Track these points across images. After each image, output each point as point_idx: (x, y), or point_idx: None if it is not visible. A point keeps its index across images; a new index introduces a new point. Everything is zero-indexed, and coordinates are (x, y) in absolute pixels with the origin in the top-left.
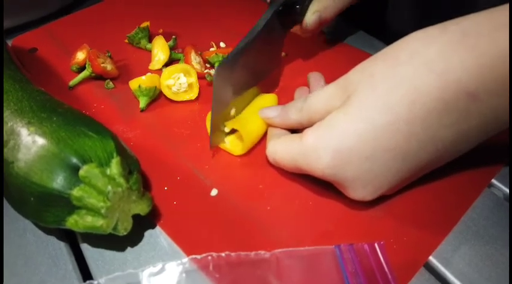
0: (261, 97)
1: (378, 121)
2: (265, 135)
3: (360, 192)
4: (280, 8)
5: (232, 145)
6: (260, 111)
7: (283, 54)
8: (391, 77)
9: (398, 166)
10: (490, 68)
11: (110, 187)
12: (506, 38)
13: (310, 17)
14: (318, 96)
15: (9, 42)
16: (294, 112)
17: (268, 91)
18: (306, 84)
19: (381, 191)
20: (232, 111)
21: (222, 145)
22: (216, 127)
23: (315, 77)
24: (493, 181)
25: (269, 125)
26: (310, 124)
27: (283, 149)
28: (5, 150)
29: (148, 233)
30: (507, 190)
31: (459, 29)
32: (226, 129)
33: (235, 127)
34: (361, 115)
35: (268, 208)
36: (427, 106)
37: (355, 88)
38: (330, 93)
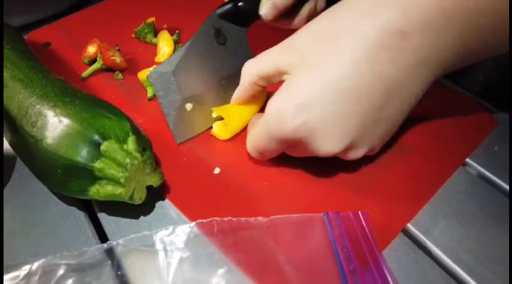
0: None
1: (329, 67)
2: None
3: (328, 142)
4: (222, 12)
5: (218, 130)
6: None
7: None
8: (333, 30)
9: (355, 108)
10: (412, 7)
11: (128, 160)
12: None
13: (263, 6)
14: (266, 56)
15: (25, 37)
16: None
17: None
18: None
19: (347, 140)
20: (188, 106)
21: (211, 132)
22: (175, 125)
23: None
24: (468, 160)
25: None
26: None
27: (257, 137)
28: (34, 130)
29: (158, 205)
30: (481, 169)
31: None
32: (214, 115)
33: (221, 115)
34: (315, 68)
35: (266, 183)
36: (366, 46)
37: (304, 48)
38: (277, 55)
